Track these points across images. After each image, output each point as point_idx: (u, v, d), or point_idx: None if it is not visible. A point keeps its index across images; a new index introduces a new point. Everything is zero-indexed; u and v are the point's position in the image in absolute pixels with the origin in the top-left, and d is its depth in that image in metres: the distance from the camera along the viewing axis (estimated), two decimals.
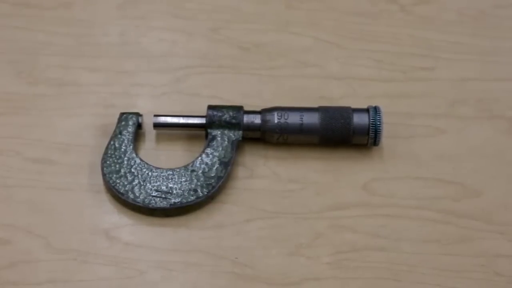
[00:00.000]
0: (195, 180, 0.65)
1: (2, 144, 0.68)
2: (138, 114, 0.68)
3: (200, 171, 0.65)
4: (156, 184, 0.65)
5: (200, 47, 0.75)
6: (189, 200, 0.64)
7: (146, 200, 0.64)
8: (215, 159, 0.66)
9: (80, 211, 0.65)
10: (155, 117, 0.68)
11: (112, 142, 0.67)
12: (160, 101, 0.71)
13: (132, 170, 0.65)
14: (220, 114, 0.67)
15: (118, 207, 0.65)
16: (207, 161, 0.66)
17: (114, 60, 0.73)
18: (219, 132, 0.67)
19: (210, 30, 0.76)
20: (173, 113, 0.68)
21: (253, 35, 0.76)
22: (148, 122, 0.68)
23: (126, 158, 0.66)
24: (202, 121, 0.67)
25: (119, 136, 0.67)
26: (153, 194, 0.64)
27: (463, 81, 0.73)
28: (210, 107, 0.67)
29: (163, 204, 0.64)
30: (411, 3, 0.78)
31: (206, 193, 0.65)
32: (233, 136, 0.67)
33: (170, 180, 0.65)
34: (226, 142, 0.67)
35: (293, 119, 0.67)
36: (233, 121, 0.67)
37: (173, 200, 0.64)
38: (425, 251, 0.64)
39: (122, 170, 0.65)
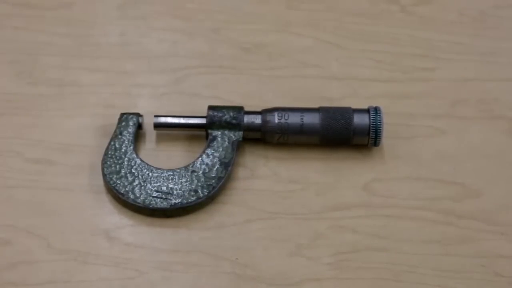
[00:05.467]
0: (195, 181, 0.65)
1: (2, 145, 0.68)
2: (138, 115, 0.68)
3: (201, 172, 0.65)
4: (157, 184, 0.65)
5: (200, 48, 0.75)
6: (190, 200, 0.64)
7: (146, 200, 0.64)
8: (216, 160, 0.66)
9: (81, 211, 0.65)
10: (156, 118, 0.68)
11: (112, 143, 0.67)
12: (160, 102, 0.71)
13: (133, 170, 0.65)
14: (220, 114, 0.67)
15: (119, 207, 0.65)
16: (208, 162, 0.66)
17: (115, 60, 0.73)
18: (219, 133, 0.67)
19: (211, 30, 0.76)
20: (173, 113, 0.68)
21: (253, 35, 0.75)
22: (148, 122, 0.68)
23: (126, 159, 0.66)
24: (202, 121, 0.67)
25: (120, 136, 0.67)
26: (154, 195, 0.64)
27: (464, 81, 0.73)
28: (211, 108, 0.67)
29: (164, 204, 0.64)
30: (412, 3, 0.78)
31: (206, 193, 0.65)
32: (233, 137, 0.67)
33: (170, 181, 0.65)
34: (226, 143, 0.67)
35: (294, 119, 0.67)
36: (234, 121, 0.67)
37: (173, 201, 0.64)
38: (426, 251, 0.64)
39: (123, 171, 0.65)
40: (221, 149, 0.66)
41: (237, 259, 0.63)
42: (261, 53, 0.75)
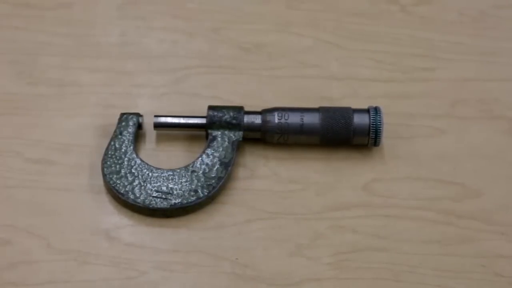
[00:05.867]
0: (195, 181, 0.65)
1: (2, 145, 0.68)
2: (138, 115, 0.68)
3: (201, 172, 0.65)
4: (157, 184, 0.65)
5: (200, 48, 0.75)
6: (190, 200, 0.64)
7: (146, 200, 0.64)
8: (216, 160, 0.66)
9: (81, 211, 0.65)
10: (156, 118, 0.68)
11: (112, 143, 0.67)
12: (160, 102, 0.71)
13: (133, 170, 0.65)
14: (220, 114, 0.67)
15: (119, 207, 0.65)
16: (208, 162, 0.66)
17: (115, 60, 0.73)
18: (219, 133, 0.67)
19: (211, 30, 0.76)
20: (173, 113, 0.68)
21: (253, 35, 0.76)
22: (148, 122, 0.68)
23: (126, 159, 0.66)
24: (202, 121, 0.67)
25: (120, 136, 0.67)
26: (154, 195, 0.64)
27: (464, 81, 0.73)
28: (211, 108, 0.67)
29: (164, 204, 0.64)
30: (412, 3, 0.78)
31: (206, 193, 0.65)
32: (233, 137, 0.67)
33: (170, 181, 0.65)
34: (226, 143, 0.67)
35: (294, 119, 0.67)
36: (234, 121, 0.67)
37: (173, 201, 0.64)
38: (426, 251, 0.64)
39: (123, 171, 0.65)
40: (221, 149, 0.66)
41: (237, 259, 0.63)
42: (261, 53, 0.75)
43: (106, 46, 0.74)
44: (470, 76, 0.74)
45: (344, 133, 0.67)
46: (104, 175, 0.65)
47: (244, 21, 0.77)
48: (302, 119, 0.67)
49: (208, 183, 0.65)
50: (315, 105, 0.68)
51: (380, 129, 0.67)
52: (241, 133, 0.67)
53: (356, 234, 0.65)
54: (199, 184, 0.65)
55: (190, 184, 0.65)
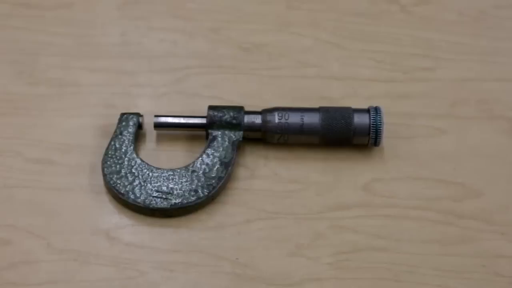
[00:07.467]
0: (195, 181, 0.65)
1: (2, 145, 0.68)
2: (138, 115, 0.68)
3: (201, 172, 0.65)
4: (157, 184, 0.65)
5: (200, 47, 0.75)
6: (190, 200, 0.64)
7: (146, 200, 0.64)
8: (216, 160, 0.66)
9: (81, 211, 0.65)
10: (156, 118, 0.68)
11: (112, 143, 0.67)
12: (160, 102, 0.71)
13: (133, 170, 0.65)
14: (220, 114, 0.67)
15: (119, 207, 0.65)
16: (208, 162, 0.66)
17: (115, 60, 0.73)
18: (219, 133, 0.67)
19: (211, 30, 0.76)
20: (173, 113, 0.68)
21: (253, 35, 0.75)
22: (148, 122, 0.68)
23: (126, 159, 0.66)
24: (202, 121, 0.67)
25: (120, 136, 0.67)
26: (154, 195, 0.64)
27: (464, 81, 0.73)
28: (211, 108, 0.67)
29: (164, 204, 0.64)
30: (412, 3, 0.78)
31: (206, 193, 0.65)
32: (233, 137, 0.67)
33: (170, 181, 0.65)
34: (226, 143, 0.67)
35: (294, 119, 0.67)
36: (234, 121, 0.67)
37: (173, 201, 0.64)
38: (426, 251, 0.64)
39: (123, 171, 0.65)
40: (221, 149, 0.66)
41: (237, 259, 0.63)
42: (261, 53, 0.75)
43: (106, 46, 0.74)
44: (470, 76, 0.74)
45: (344, 133, 0.67)
46: (104, 175, 0.65)
47: (244, 21, 0.77)
48: (302, 119, 0.67)
49: (208, 183, 0.65)
50: (315, 105, 0.68)
51: (380, 129, 0.67)
52: (241, 133, 0.67)
53: (356, 234, 0.65)
54: (199, 184, 0.65)
55: (190, 184, 0.65)
